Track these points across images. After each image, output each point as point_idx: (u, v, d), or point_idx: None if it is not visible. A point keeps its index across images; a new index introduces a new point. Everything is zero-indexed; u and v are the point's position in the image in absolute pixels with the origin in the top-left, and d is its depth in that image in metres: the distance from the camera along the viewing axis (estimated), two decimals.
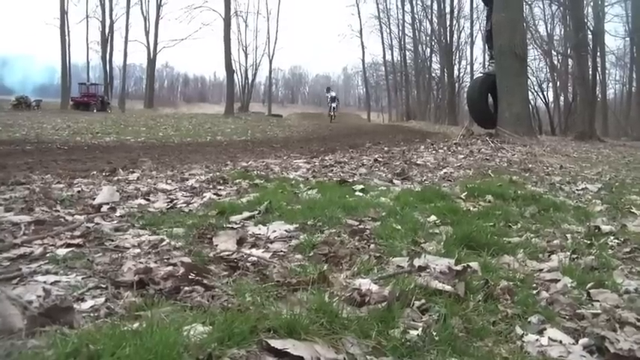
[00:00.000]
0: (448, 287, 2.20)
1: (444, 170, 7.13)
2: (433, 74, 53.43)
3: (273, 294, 2.05)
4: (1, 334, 1.65)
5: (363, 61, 58.55)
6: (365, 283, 2.19)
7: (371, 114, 58.85)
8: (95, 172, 6.01)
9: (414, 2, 52.63)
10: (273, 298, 1.99)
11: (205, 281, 2.15)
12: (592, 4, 30.42)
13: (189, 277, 2.16)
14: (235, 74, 44.58)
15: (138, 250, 2.75)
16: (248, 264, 2.49)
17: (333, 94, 43.75)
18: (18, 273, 2.28)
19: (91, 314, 1.88)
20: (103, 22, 50.56)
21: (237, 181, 5.16)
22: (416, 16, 52.90)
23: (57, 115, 26.59)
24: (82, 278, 2.26)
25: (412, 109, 51.59)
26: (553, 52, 40.03)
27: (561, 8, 35.52)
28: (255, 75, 57.76)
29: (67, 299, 1.88)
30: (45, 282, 2.19)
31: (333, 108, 42.02)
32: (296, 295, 2.03)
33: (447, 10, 48.86)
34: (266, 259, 2.59)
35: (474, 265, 2.55)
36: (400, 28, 54.68)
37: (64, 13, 44.96)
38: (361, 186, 5.03)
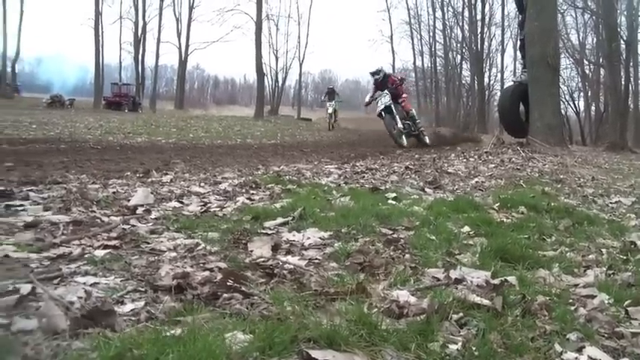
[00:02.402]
0: (486, 301, 2.19)
1: (476, 179, 7.08)
2: (463, 81, 53.07)
3: (312, 303, 2.05)
4: (46, 334, 1.68)
5: (393, 66, 58.01)
6: (403, 295, 2.19)
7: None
8: (129, 173, 6.06)
9: (445, 9, 52.32)
10: (312, 308, 2.00)
11: (243, 288, 2.16)
12: (625, 13, 29.99)
13: (228, 283, 2.17)
14: (266, 77, 44.55)
15: (174, 254, 2.77)
16: (285, 271, 2.49)
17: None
18: (59, 273, 2.31)
19: (132, 318, 1.89)
20: (136, 23, 51.06)
21: (270, 185, 5.18)
22: (447, 22, 52.58)
23: (89, 114, 26.93)
24: (121, 281, 2.29)
25: (441, 116, 51.23)
26: (585, 61, 39.58)
27: (594, 17, 35.05)
28: (285, 78, 57.81)
29: (107, 302, 1.91)
30: (85, 283, 2.21)
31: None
32: (334, 305, 2.04)
33: (479, 17, 48.57)
34: (302, 267, 2.60)
35: (512, 279, 2.53)
36: (431, 34, 54.34)
37: (98, 14, 45.48)
38: (394, 194, 5.01)
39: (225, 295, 2.09)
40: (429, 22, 54.36)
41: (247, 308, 1.98)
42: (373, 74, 17.22)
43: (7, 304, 1.89)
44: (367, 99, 17.48)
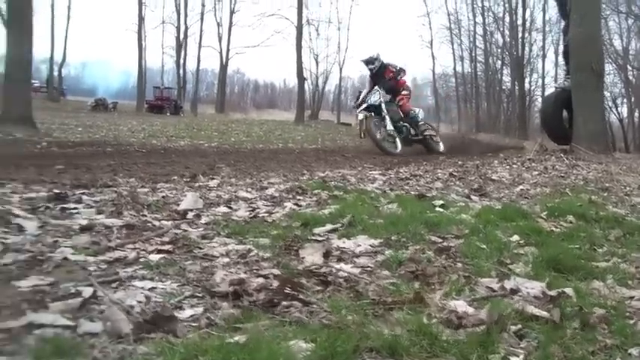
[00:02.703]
0: (544, 313, 2.16)
1: (520, 187, 6.98)
2: (504, 87, 52.49)
3: (370, 312, 2.05)
4: (110, 338, 1.71)
5: (433, 71, 57.54)
6: (460, 305, 2.17)
7: (440, 125, 57.96)
8: (176, 178, 6.13)
9: (485, 14, 51.83)
10: (371, 317, 2.00)
11: (301, 296, 2.17)
12: None
13: (285, 291, 2.18)
14: (306, 82, 44.70)
15: (227, 260, 2.79)
16: (340, 279, 2.49)
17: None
18: (116, 277, 2.35)
19: (192, 324, 1.92)
20: (177, 28, 51.73)
21: (316, 191, 5.17)
22: (487, 27, 52.05)
23: (132, 118, 27.41)
24: (178, 286, 2.31)
25: (482, 122, 50.72)
26: (628, 66, 38.78)
27: (637, 22, 34.43)
28: (326, 83, 57.67)
29: (167, 307, 1.94)
30: (143, 287, 2.25)
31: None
32: (393, 315, 2.03)
33: (519, 22, 48.06)
34: (356, 275, 2.59)
35: (569, 290, 2.50)
36: (471, 39, 53.84)
37: (141, 19, 46.39)
38: (441, 201, 4.96)
39: (284, 302, 2.10)
40: (469, 28, 53.92)
41: (307, 317, 1.99)
42: (367, 63, 13.35)
43: (72, 306, 1.93)
44: (360, 98, 13.60)
